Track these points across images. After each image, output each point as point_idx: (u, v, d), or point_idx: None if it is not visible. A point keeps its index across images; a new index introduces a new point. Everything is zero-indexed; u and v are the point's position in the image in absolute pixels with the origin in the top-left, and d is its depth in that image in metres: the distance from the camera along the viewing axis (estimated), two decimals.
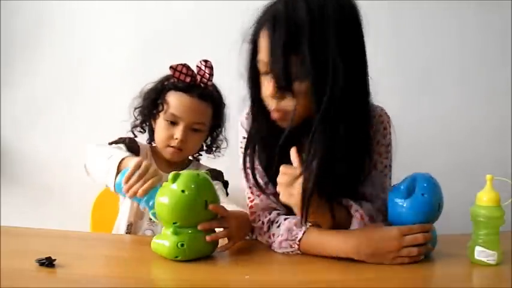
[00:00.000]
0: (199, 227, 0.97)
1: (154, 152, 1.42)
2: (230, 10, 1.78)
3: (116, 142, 1.32)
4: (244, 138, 1.11)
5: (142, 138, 1.44)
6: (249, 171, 1.08)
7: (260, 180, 1.09)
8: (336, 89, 0.94)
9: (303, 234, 1.01)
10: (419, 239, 0.96)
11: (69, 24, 1.79)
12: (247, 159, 1.08)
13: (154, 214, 1.00)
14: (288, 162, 0.99)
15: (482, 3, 1.81)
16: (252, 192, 1.13)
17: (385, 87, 1.80)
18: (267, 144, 1.06)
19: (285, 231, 1.03)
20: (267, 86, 0.99)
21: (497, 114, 1.85)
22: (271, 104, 1.01)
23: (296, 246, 1.02)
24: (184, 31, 1.79)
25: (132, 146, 1.33)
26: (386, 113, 1.18)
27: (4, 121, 1.79)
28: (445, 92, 1.84)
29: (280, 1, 0.98)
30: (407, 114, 1.83)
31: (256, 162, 1.08)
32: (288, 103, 0.98)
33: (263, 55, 0.98)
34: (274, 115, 1.01)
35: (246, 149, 1.08)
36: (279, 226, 1.05)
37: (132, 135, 1.40)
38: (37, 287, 0.84)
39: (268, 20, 0.97)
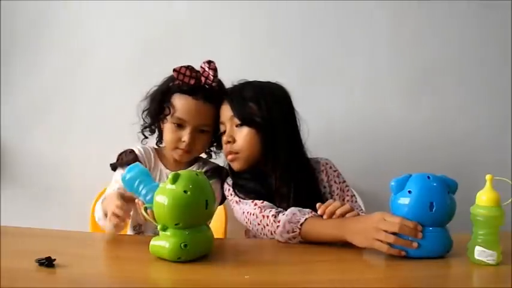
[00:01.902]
0: None
1: (160, 153, 1.43)
2: (231, 10, 1.79)
3: (117, 160, 1.36)
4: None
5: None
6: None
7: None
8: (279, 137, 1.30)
9: (305, 220, 1.11)
10: (394, 226, 0.99)
11: (69, 24, 1.78)
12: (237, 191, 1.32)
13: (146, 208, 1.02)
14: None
15: (482, 3, 1.81)
16: (255, 203, 1.25)
17: (385, 87, 1.83)
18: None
19: (290, 213, 1.15)
20: (223, 139, 1.33)
21: (497, 114, 1.84)
22: (225, 149, 1.33)
23: (298, 230, 1.11)
24: (186, 31, 1.78)
25: (130, 160, 1.34)
26: (325, 161, 1.43)
27: (4, 121, 1.79)
28: (445, 92, 1.84)
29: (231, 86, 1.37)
30: (407, 114, 1.84)
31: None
32: (237, 146, 1.30)
33: (222, 117, 1.33)
34: (229, 157, 1.33)
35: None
36: (284, 214, 1.16)
37: (142, 137, 1.43)
38: (37, 287, 0.84)
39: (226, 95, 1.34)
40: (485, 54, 1.84)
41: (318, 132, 1.79)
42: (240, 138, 1.31)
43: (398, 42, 1.82)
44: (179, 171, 0.98)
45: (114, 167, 1.36)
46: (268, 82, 1.37)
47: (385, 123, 1.84)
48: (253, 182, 1.32)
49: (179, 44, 1.78)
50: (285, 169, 1.31)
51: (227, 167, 1.39)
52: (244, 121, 1.30)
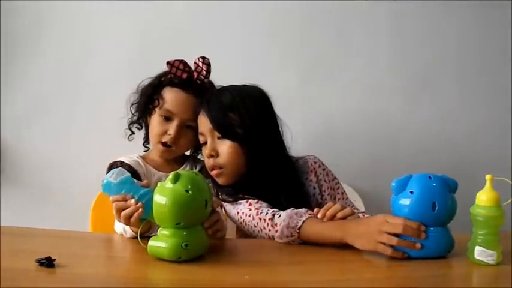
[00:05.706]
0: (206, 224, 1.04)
1: (147, 159, 1.42)
2: (231, 10, 1.79)
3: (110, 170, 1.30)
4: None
5: (139, 135, 1.46)
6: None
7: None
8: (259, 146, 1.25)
9: (303, 223, 1.09)
10: (398, 228, 0.98)
11: (69, 24, 1.78)
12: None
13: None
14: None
15: (482, 3, 1.81)
16: (250, 203, 1.22)
17: (385, 87, 1.83)
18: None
19: (286, 217, 1.11)
20: (204, 152, 1.28)
21: (497, 114, 1.85)
22: (208, 163, 1.27)
23: (296, 235, 1.09)
24: (185, 31, 1.78)
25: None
26: (313, 160, 1.39)
27: (4, 121, 1.79)
28: (445, 92, 1.84)
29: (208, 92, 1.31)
30: (407, 114, 1.84)
31: None
32: (221, 160, 1.24)
33: (201, 128, 1.27)
34: (213, 172, 1.27)
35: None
36: (280, 216, 1.13)
37: (129, 132, 1.42)
38: (37, 287, 0.84)
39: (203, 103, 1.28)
40: (485, 54, 1.84)
41: (318, 132, 1.80)
42: (223, 151, 1.25)
43: (398, 42, 1.82)
44: (179, 171, 0.98)
45: None
46: (245, 86, 1.30)
47: (385, 123, 1.84)
48: (240, 192, 1.27)
49: (179, 44, 1.77)
50: (272, 176, 1.27)
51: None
52: (225, 134, 1.24)
